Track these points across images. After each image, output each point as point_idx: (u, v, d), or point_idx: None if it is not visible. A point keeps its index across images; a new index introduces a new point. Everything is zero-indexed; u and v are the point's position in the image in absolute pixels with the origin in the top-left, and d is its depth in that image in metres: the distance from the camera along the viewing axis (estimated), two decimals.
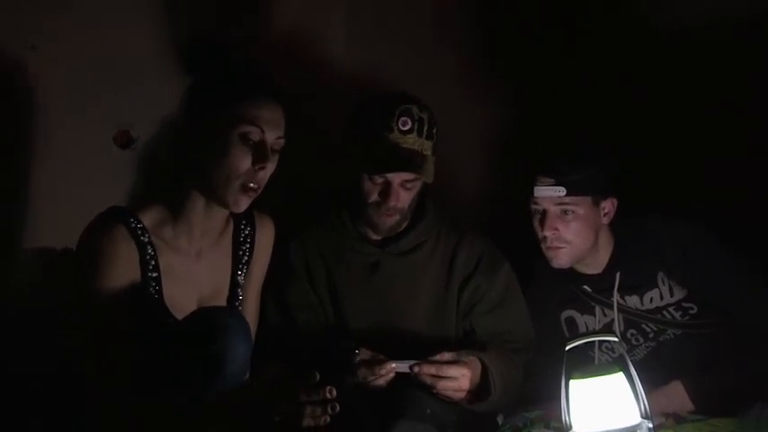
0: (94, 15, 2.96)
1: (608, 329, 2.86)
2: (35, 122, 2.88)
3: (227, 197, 2.41)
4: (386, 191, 2.69)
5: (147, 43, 3.01)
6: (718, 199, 3.12)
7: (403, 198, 2.71)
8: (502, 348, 2.77)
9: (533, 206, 2.87)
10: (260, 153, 2.39)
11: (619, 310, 2.89)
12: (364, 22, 3.43)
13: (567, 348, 2.41)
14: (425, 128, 2.71)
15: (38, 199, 2.90)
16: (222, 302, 2.55)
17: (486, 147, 3.47)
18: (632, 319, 2.88)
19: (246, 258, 2.62)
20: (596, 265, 2.93)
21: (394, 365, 2.55)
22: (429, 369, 2.55)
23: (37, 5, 2.88)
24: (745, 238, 2.90)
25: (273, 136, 2.42)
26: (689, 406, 2.67)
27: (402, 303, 2.81)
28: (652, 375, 2.53)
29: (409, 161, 2.67)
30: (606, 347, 2.89)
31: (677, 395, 2.67)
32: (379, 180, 2.69)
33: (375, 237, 2.83)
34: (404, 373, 2.56)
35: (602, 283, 2.92)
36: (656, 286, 2.86)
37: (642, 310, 2.87)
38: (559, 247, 2.85)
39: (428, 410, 2.56)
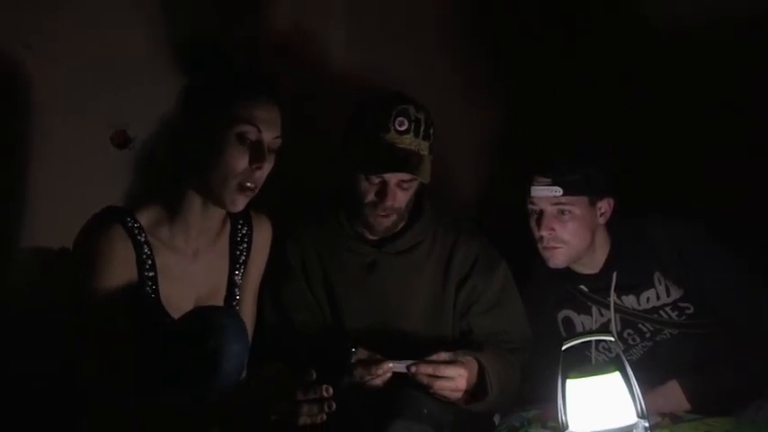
0: (92, 15, 2.96)
1: (605, 329, 2.86)
2: (32, 122, 2.89)
3: (225, 197, 2.41)
4: (382, 191, 2.69)
5: (144, 43, 3.01)
6: (718, 199, 3.13)
7: (399, 198, 2.71)
8: (498, 348, 2.77)
9: (530, 206, 2.88)
10: (257, 153, 2.39)
11: (615, 309, 2.89)
12: (364, 24, 3.42)
13: (564, 348, 2.41)
14: (422, 128, 2.70)
15: (35, 198, 2.90)
16: (219, 302, 2.56)
17: (483, 147, 3.48)
18: (629, 319, 2.88)
19: (243, 258, 2.62)
20: (593, 264, 2.93)
21: (391, 365, 2.55)
22: (426, 369, 2.54)
23: (34, 5, 2.88)
24: (744, 238, 2.90)
25: (270, 135, 2.43)
26: (685, 405, 2.67)
27: (399, 303, 2.81)
28: (649, 375, 2.52)
29: (406, 161, 2.67)
30: (603, 347, 2.90)
31: (674, 395, 2.68)
32: (376, 180, 2.69)
33: (372, 237, 2.83)
34: (401, 373, 2.55)
35: (598, 282, 2.92)
36: (653, 286, 2.86)
37: (639, 310, 2.87)
38: (556, 247, 2.85)
39: (425, 410, 2.56)
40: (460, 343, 2.78)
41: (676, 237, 2.86)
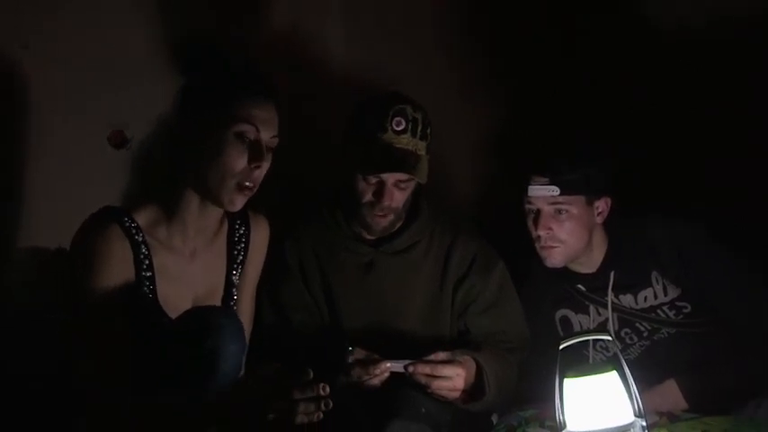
0: (90, 16, 2.97)
1: (602, 328, 2.86)
2: (30, 122, 2.90)
3: (223, 196, 2.41)
4: (380, 191, 2.69)
5: (141, 43, 3.01)
6: (718, 199, 3.12)
7: (397, 198, 2.71)
8: (496, 348, 2.77)
9: (527, 205, 2.87)
10: (256, 152, 2.40)
11: (613, 309, 2.89)
12: (362, 22, 3.43)
13: (561, 347, 2.40)
14: (419, 128, 2.70)
15: (32, 198, 2.91)
16: (217, 302, 2.56)
17: (481, 145, 3.47)
18: (626, 318, 2.88)
19: (241, 258, 2.62)
20: (590, 264, 2.93)
21: (388, 365, 2.55)
22: (423, 369, 2.54)
23: (32, 5, 2.89)
24: (744, 238, 2.89)
25: (268, 135, 2.43)
26: (682, 404, 2.67)
27: (396, 303, 2.81)
28: (646, 374, 2.52)
29: (403, 161, 2.67)
30: (600, 346, 2.89)
31: (671, 394, 2.68)
32: (373, 180, 2.69)
33: (369, 236, 2.83)
34: (398, 373, 2.55)
35: (596, 282, 2.92)
36: (650, 285, 2.86)
37: (636, 309, 2.87)
38: (553, 247, 2.85)
39: (423, 410, 2.56)
40: (458, 342, 2.78)
41: (676, 237, 2.85)
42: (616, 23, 3.37)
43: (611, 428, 2.28)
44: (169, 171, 2.49)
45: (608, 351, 2.87)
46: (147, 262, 2.41)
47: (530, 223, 2.88)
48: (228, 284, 2.59)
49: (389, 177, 2.67)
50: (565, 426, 2.35)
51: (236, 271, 2.61)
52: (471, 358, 2.63)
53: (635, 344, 2.87)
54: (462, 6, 3.46)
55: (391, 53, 3.43)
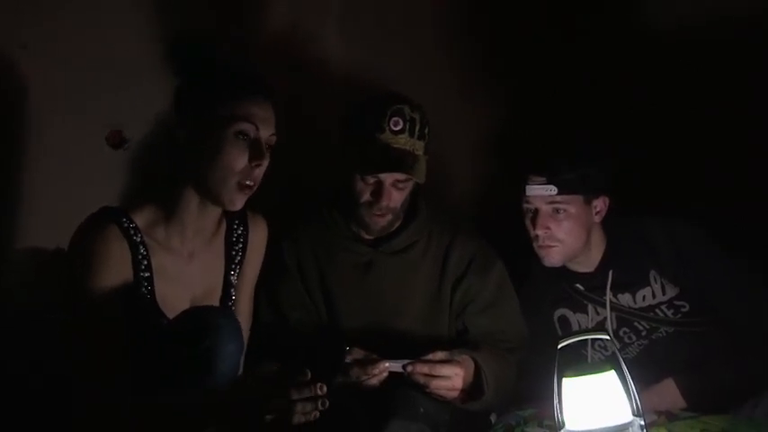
0: (90, 15, 2.98)
1: (601, 328, 2.86)
2: (28, 122, 2.91)
3: (224, 196, 2.42)
4: (378, 191, 2.70)
5: (139, 43, 3.02)
6: (718, 199, 3.12)
7: (395, 198, 2.71)
8: (495, 347, 2.77)
9: (525, 205, 2.88)
10: (256, 150, 2.41)
11: (611, 308, 2.89)
12: (362, 22, 3.42)
13: (560, 347, 2.39)
14: (417, 128, 2.70)
15: (30, 199, 2.92)
16: (215, 303, 2.56)
17: (480, 145, 3.47)
18: (625, 318, 2.88)
19: (239, 258, 2.63)
20: (589, 263, 2.93)
21: (387, 365, 2.55)
22: (422, 368, 2.54)
23: (32, 5, 2.90)
24: (744, 238, 2.89)
25: (267, 132, 2.45)
26: (681, 403, 2.67)
27: (395, 303, 2.81)
28: (645, 373, 2.52)
29: (401, 161, 2.67)
30: (599, 346, 2.89)
31: (669, 393, 2.68)
32: (371, 180, 2.69)
33: (367, 236, 2.83)
34: (397, 373, 2.55)
35: (594, 281, 2.92)
36: (649, 284, 2.86)
37: (635, 309, 2.87)
38: (551, 246, 2.85)
39: (421, 410, 2.55)
40: (457, 342, 2.78)
41: (675, 236, 2.86)
42: (616, 23, 3.36)
43: (609, 427, 2.27)
44: (168, 171, 2.49)
45: (606, 350, 2.87)
46: (145, 262, 2.41)
47: (528, 223, 2.88)
48: (226, 285, 2.59)
49: (387, 177, 2.68)
50: (563, 425, 2.34)
51: (234, 271, 2.61)
52: (470, 358, 2.63)
53: (633, 343, 2.87)
54: (462, 6, 3.46)
55: (391, 53, 3.42)
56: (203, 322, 2.31)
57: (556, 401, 2.35)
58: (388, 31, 3.44)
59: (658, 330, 2.85)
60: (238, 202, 2.44)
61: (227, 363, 2.29)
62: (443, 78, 3.43)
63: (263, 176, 2.46)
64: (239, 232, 2.63)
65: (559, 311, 2.98)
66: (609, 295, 2.89)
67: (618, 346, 2.58)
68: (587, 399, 2.31)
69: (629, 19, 3.35)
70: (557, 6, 3.44)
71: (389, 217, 2.75)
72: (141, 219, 2.43)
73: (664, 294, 2.84)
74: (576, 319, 2.95)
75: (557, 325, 2.99)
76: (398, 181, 2.69)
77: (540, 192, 2.81)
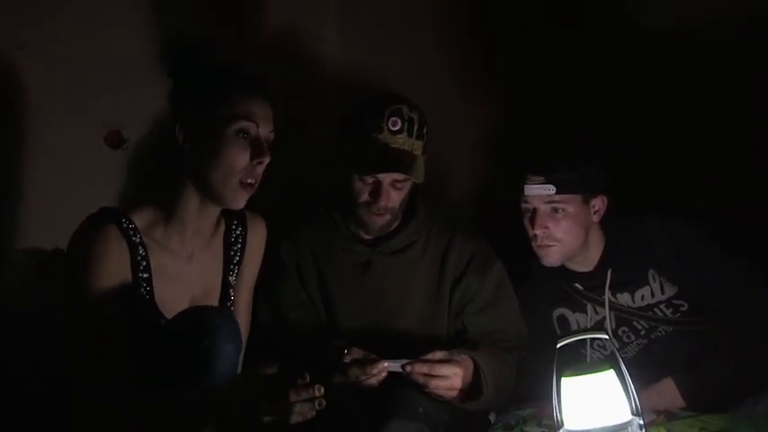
0: (89, 15, 2.97)
1: (599, 327, 2.86)
2: (27, 122, 2.90)
3: (226, 195, 2.43)
4: (376, 191, 2.70)
5: (138, 43, 3.01)
6: (718, 199, 3.11)
7: (393, 198, 2.72)
8: (494, 347, 2.77)
9: (524, 204, 2.88)
10: (258, 148, 2.43)
11: (610, 307, 2.89)
12: (361, 22, 3.43)
13: (559, 346, 2.40)
14: (415, 128, 2.71)
15: (29, 199, 2.92)
16: (214, 303, 2.57)
17: (480, 145, 3.47)
18: (624, 317, 2.88)
19: (238, 259, 2.63)
20: (587, 262, 2.93)
21: (386, 365, 2.54)
22: (421, 368, 2.54)
23: (32, 5, 2.90)
24: (744, 238, 2.89)
25: (267, 130, 2.46)
26: (680, 402, 2.66)
27: (394, 302, 2.81)
28: (644, 372, 2.52)
29: (399, 161, 2.67)
30: (598, 345, 2.89)
31: (668, 392, 2.67)
32: (370, 180, 2.70)
33: (366, 236, 2.83)
34: (396, 373, 2.55)
35: (593, 280, 2.92)
36: (647, 283, 2.86)
37: (633, 308, 2.87)
38: (550, 246, 2.86)
39: (420, 409, 2.56)
40: (456, 342, 2.78)
41: (675, 236, 2.86)
42: (616, 23, 3.36)
43: (608, 427, 2.27)
44: (167, 171, 2.49)
45: (605, 350, 2.87)
46: (144, 263, 2.41)
47: (526, 222, 2.88)
48: (225, 285, 2.60)
49: (386, 177, 2.68)
50: (562, 424, 2.35)
51: (233, 272, 2.62)
52: (469, 357, 2.63)
53: (632, 342, 2.87)
54: (462, 6, 3.46)
55: (391, 53, 3.43)
56: (201, 322, 2.31)
57: (555, 401, 2.36)
58: (387, 31, 3.45)
59: (657, 330, 2.84)
60: (241, 201, 2.45)
61: (225, 363, 2.28)
62: (443, 78, 3.43)
63: (264, 177, 2.46)
64: (238, 232, 2.63)
65: (558, 311, 2.98)
66: (608, 294, 2.89)
67: (617, 345, 2.59)
68: (586, 398, 2.31)
69: (629, 19, 3.34)
70: (557, 6, 3.43)
71: (388, 217, 2.75)
72: (140, 219, 2.43)
73: (663, 294, 2.84)
74: (574, 318, 2.95)
75: (555, 324, 2.99)
76: (397, 181, 2.69)
77: (538, 191, 2.81)
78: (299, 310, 2.81)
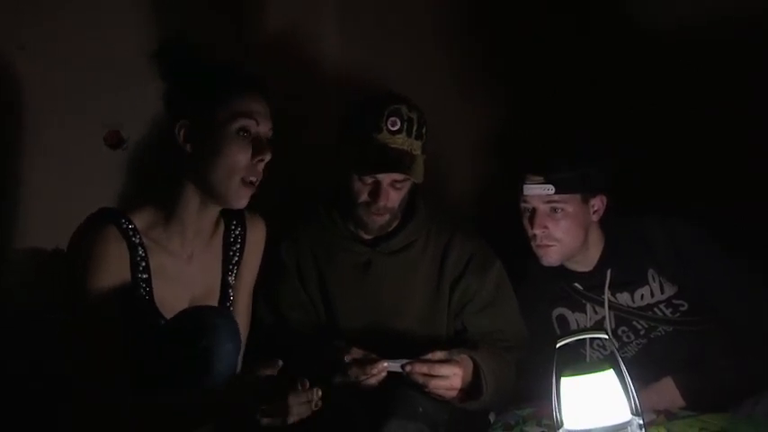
0: (88, 15, 2.98)
1: (599, 327, 2.85)
2: (26, 123, 2.91)
3: (229, 193, 2.43)
4: (375, 191, 2.70)
5: (137, 43, 2.99)
6: (718, 199, 3.11)
7: (393, 198, 2.72)
8: (494, 347, 2.77)
9: (523, 204, 2.88)
10: (259, 145, 2.44)
11: (610, 307, 2.89)
12: (361, 22, 3.43)
13: (558, 346, 2.40)
14: (415, 128, 2.71)
15: (29, 199, 2.92)
16: (213, 303, 2.56)
17: (480, 145, 3.47)
18: (623, 317, 2.88)
19: (237, 259, 2.63)
20: (587, 262, 2.93)
21: (386, 364, 2.54)
22: (421, 368, 2.54)
23: (32, 5, 2.90)
24: (744, 238, 2.88)
25: (266, 127, 2.47)
26: (680, 402, 2.66)
27: (393, 302, 2.81)
28: (643, 372, 2.53)
29: (398, 161, 2.67)
30: (597, 345, 2.89)
31: (668, 391, 2.67)
32: (369, 180, 2.70)
33: (366, 236, 2.83)
34: (396, 373, 2.55)
35: (592, 280, 2.92)
36: (647, 283, 2.86)
37: (633, 308, 2.87)
38: (549, 245, 2.85)
39: (420, 409, 2.55)
40: (455, 342, 2.78)
41: (675, 236, 2.85)
42: (616, 23, 3.35)
43: (608, 427, 2.27)
44: (167, 172, 2.49)
45: (605, 349, 2.87)
46: (143, 264, 2.41)
47: (525, 222, 2.88)
48: (224, 285, 2.60)
49: (385, 177, 2.68)
50: (562, 424, 2.34)
51: (232, 272, 2.62)
52: (468, 357, 2.63)
53: (632, 342, 2.87)
54: (462, 6, 3.45)
55: (391, 53, 3.43)
56: (200, 322, 2.31)
57: (554, 400, 2.36)
58: (387, 31, 3.45)
59: (657, 329, 2.84)
60: (244, 200, 2.46)
61: (224, 362, 2.28)
62: (443, 78, 3.43)
63: (264, 177, 2.47)
64: (237, 233, 2.63)
65: (558, 311, 2.98)
66: (607, 294, 2.89)
67: (616, 345, 2.59)
68: (586, 398, 2.31)
69: (629, 19, 3.33)
70: (557, 6, 3.43)
71: (387, 216, 2.75)
72: (140, 220, 2.43)
73: (662, 293, 2.84)
74: (574, 318, 2.95)
75: (555, 324, 2.98)
76: (396, 181, 2.70)
77: (537, 191, 2.80)
78: (299, 311, 2.81)
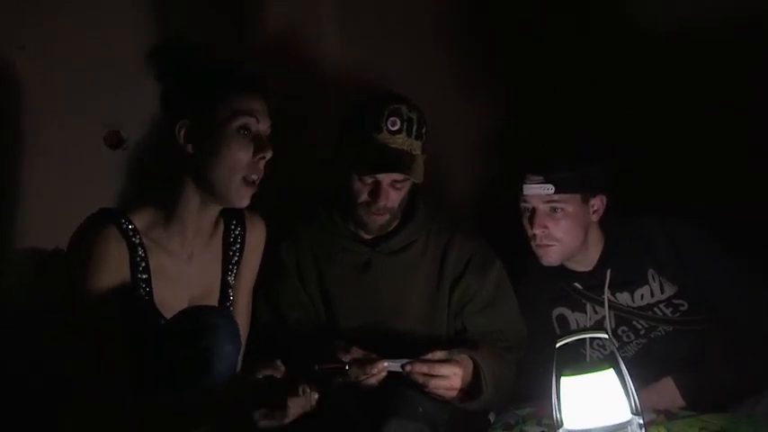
0: (88, 15, 2.98)
1: (599, 326, 2.86)
2: (26, 123, 2.91)
3: (231, 192, 2.44)
4: (375, 191, 2.70)
5: (137, 43, 3.00)
6: (718, 199, 3.11)
7: (392, 198, 2.72)
8: (493, 346, 2.77)
9: (523, 204, 2.88)
10: (260, 143, 2.44)
11: (610, 307, 2.89)
12: (361, 22, 3.43)
13: (558, 345, 2.39)
14: (415, 128, 2.70)
15: (29, 199, 2.93)
16: (213, 303, 2.56)
17: (480, 145, 3.46)
18: (623, 316, 2.88)
19: (236, 259, 2.63)
20: (587, 262, 2.93)
21: (386, 364, 2.54)
22: (421, 368, 2.54)
23: (30, 5, 2.90)
24: (744, 238, 2.88)
25: (266, 125, 2.47)
26: (680, 402, 2.66)
27: (393, 302, 2.81)
28: (643, 372, 2.52)
29: (398, 161, 2.67)
30: (597, 344, 2.89)
31: (668, 391, 2.67)
32: (369, 180, 2.70)
33: (366, 236, 2.83)
34: (396, 372, 2.55)
35: (592, 280, 2.92)
36: (647, 283, 2.86)
37: (633, 307, 2.87)
38: (549, 245, 2.85)
39: (420, 409, 2.55)
40: (455, 341, 2.78)
41: (675, 236, 2.85)
42: (616, 23, 3.35)
43: (608, 426, 2.27)
44: (168, 172, 2.49)
45: (605, 349, 2.87)
46: (143, 264, 2.41)
47: (525, 222, 2.88)
48: (224, 285, 2.60)
49: (385, 177, 2.68)
50: (562, 424, 2.34)
51: (231, 272, 2.62)
52: (468, 357, 2.63)
53: (632, 342, 2.87)
54: (462, 6, 3.45)
55: (391, 53, 3.42)
56: (200, 322, 2.31)
57: (554, 400, 2.35)
58: (387, 31, 3.44)
59: (657, 329, 2.84)
60: (245, 199, 2.46)
61: (224, 362, 2.29)
62: (443, 78, 3.43)
63: (265, 178, 2.47)
64: (237, 232, 2.63)
65: (558, 310, 2.98)
66: (607, 294, 2.89)
67: (616, 344, 2.59)
68: (586, 397, 2.30)
69: (629, 19, 3.34)
70: (557, 6, 3.43)
71: (387, 216, 2.75)
72: (140, 220, 2.43)
73: (662, 293, 2.84)
74: (574, 317, 2.95)
75: (555, 324, 2.98)
76: (396, 181, 2.69)
77: (537, 191, 2.80)
78: (299, 310, 2.80)
